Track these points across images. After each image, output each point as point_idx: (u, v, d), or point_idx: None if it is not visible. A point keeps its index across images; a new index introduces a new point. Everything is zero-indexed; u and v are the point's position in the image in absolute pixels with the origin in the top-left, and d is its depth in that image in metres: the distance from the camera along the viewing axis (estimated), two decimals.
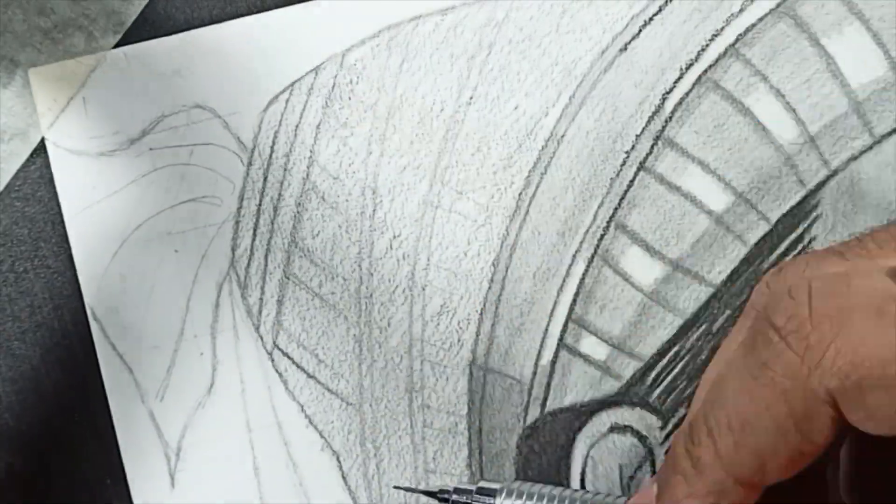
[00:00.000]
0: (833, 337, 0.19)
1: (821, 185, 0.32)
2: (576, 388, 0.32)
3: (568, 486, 0.32)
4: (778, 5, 0.33)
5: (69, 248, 0.32)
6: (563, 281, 0.33)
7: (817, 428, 0.21)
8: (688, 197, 0.32)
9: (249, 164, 0.33)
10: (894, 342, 0.19)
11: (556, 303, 0.33)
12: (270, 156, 0.33)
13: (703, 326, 0.32)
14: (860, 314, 0.19)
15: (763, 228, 0.32)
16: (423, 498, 0.31)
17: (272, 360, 0.32)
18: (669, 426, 0.32)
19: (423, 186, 0.33)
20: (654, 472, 0.32)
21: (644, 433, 0.32)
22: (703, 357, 0.32)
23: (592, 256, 0.33)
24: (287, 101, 0.33)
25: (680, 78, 0.33)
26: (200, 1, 0.33)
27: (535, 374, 0.32)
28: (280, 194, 0.33)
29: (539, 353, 0.32)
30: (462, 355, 0.32)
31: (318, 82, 0.33)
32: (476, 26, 0.33)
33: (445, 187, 0.33)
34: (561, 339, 0.32)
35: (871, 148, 0.32)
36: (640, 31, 0.33)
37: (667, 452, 0.25)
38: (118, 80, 0.33)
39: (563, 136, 0.33)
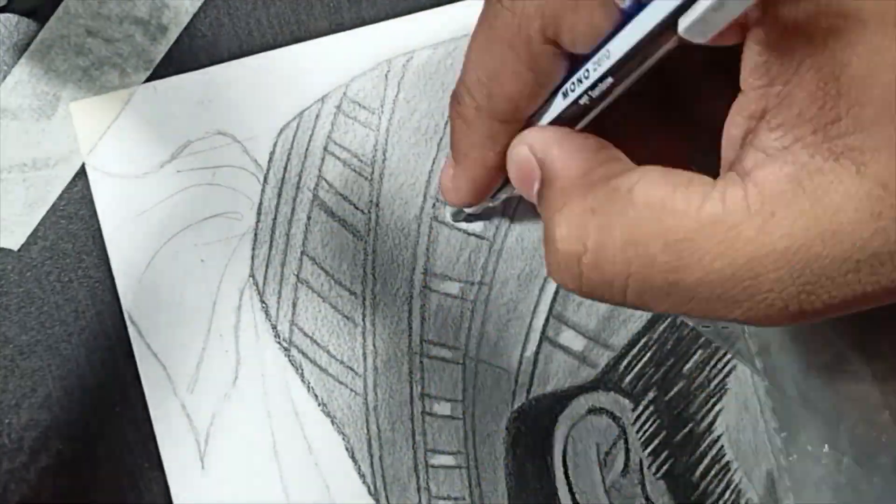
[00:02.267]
0: None
1: None
2: (557, 375, 0.33)
3: (551, 462, 0.33)
4: None
5: (108, 260, 0.33)
6: (544, 282, 0.33)
7: (545, 65, 0.23)
8: None
9: (265, 182, 0.33)
10: None
11: (538, 301, 0.33)
12: (284, 175, 0.33)
13: (669, 320, 0.33)
14: None
15: None
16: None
17: (289, 356, 0.33)
18: (640, 408, 0.33)
19: (419, 201, 0.33)
20: (627, 450, 0.33)
21: (618, 414, 0.33)
22: (669, 346, 0.33)
23: None
24: (297, 126, 0.33)
25: None
26: (220, 40, 0.34)
27: (520, 364, 0.33)
28: (293, 209, 0.33)
29: (524, 345, 0.33)
30: (457, 349, 0.33)
31: (325, 110, 0.34)
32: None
33: (439, 201, 0.33)
34: (543, 332, 0.33)
35: None
36: None
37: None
38: (149, 110, 0.33)
39: None
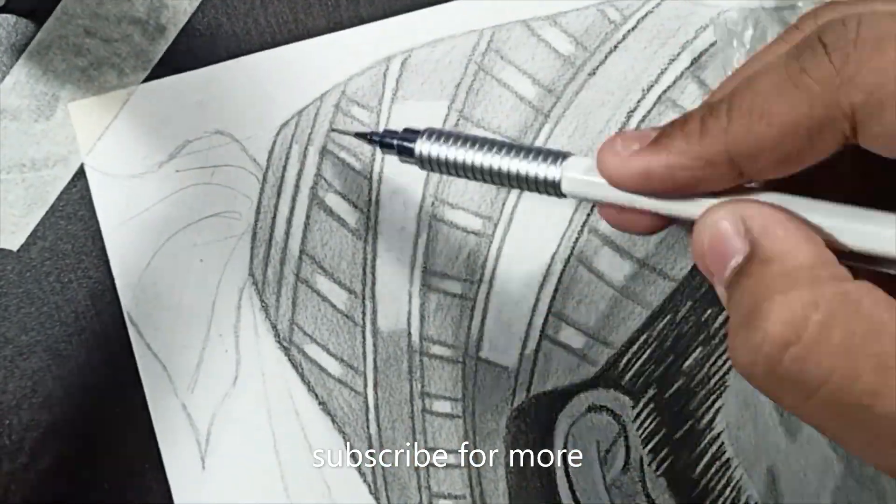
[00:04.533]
0: (869, 59, 0.19)
1: None
2: (557, 373, 0.33)
3: (552, 460, 0.32)
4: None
5: (108, 260, 0.33)
6: (544, 279, 0.33)
7: (826, 138, 0.21)
8: None
9: (264, 181, 0.34)
10: None
11: (537, 299, 0.33)
12: (283, 174, 0.34)
13: (668, 317, 0.33)
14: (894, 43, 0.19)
15: None
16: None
17: (288, 355, 0.33)
18: (640, 405, 0.33)
19: (419, 198, 0.33)
20: (627, 447, 0.33)
21: (618, 412, 0.33)
22: (668, 343, 0.33)
23: (569, 257, 0.33)
24: (296, 125, 0.34)
25: (642, 98, 0.34)
26: (218, 40, 0.34)
27: (520, 362, 0.33)
28: (292, 208, 0.34)
29: (524, 343, 0.33)
30: (456, 347, 0.33)
31: (323, 109, 0.34)
32: (462, 56, 0.34)
33: (439, 199, 0.33)
34: (543, 330, 0.33)
35: None
36: (606, 57, 0.34)
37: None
38: (147, 110, 0.34)
39: None
